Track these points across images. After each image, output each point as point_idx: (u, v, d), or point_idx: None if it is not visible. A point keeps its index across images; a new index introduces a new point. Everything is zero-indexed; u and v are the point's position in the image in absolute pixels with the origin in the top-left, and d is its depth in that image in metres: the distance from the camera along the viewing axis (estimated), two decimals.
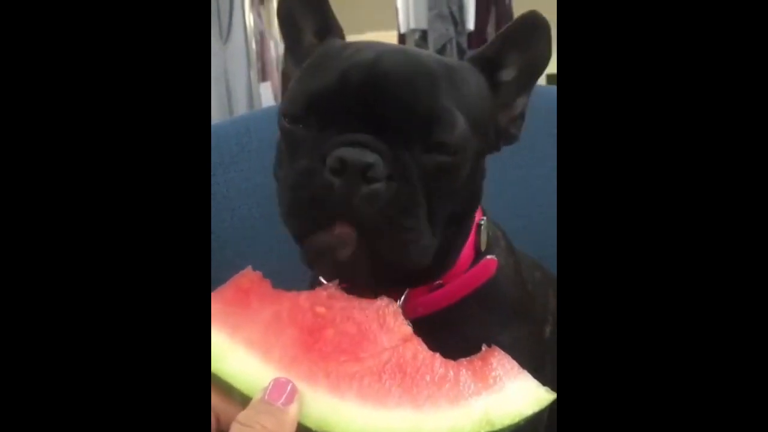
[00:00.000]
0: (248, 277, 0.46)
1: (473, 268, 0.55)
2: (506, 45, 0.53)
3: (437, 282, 0.54)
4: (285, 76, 0.60)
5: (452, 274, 0.54)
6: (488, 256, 0.56)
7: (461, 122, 0.47)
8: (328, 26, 0.56)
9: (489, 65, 0.54)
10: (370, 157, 0.43)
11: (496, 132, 0.55)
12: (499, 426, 0.40)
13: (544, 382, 0.43)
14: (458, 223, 0.52)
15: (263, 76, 3.13)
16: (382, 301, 0.45)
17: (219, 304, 0.44)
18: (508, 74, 0.55)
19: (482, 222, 0.56)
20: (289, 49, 0.59)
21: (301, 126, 0.48)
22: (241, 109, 2.89)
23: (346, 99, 0.46)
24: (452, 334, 0.50)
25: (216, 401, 0.40)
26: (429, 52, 0.53)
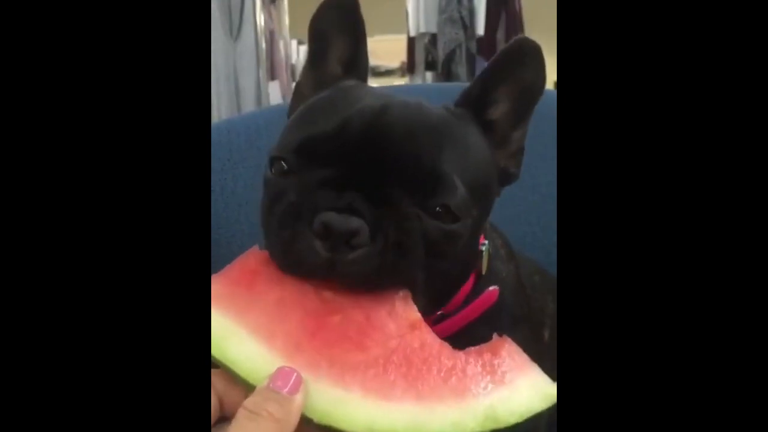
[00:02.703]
0: (255, 256, 0.45)
1: (476, 300, 0.54)
2: (492, 80, 0.51)
3: (438, 313, 0.52)
4: (298, 89, 0.57)
5: (453, 302, 0.53)
6: (491, 288, 0.54)
7: (461, 189, 0.45)
8: (357, 60, 0.54)
9: (476, 105, 0.51)
10: (355, 224, 0.42)
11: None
12: (504, 423, 0.39)
13: None
14: (453, 279, 0.51)
15: (272, 75, 3.14)
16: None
17: (225, 286, 0.43)
18: (497, 110, 0.52)
19: (484, 247, 0.54)
20: (311, 64, 0.55)
21: (284, 173, 0.46)
22: (249, 107, 2.90)
23: (343, 146, 0.44)
24: (454, 342, 0.50)
25: (220, 386, 0.40)
26: (430, 106, 0.50)
